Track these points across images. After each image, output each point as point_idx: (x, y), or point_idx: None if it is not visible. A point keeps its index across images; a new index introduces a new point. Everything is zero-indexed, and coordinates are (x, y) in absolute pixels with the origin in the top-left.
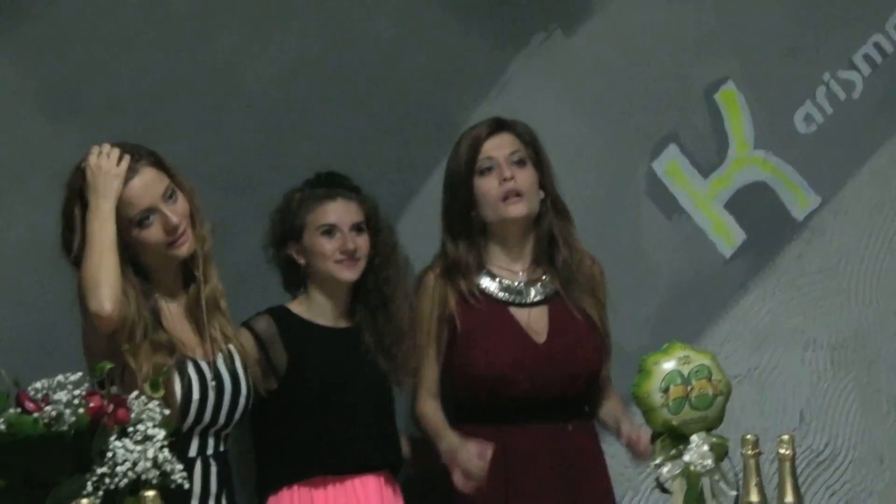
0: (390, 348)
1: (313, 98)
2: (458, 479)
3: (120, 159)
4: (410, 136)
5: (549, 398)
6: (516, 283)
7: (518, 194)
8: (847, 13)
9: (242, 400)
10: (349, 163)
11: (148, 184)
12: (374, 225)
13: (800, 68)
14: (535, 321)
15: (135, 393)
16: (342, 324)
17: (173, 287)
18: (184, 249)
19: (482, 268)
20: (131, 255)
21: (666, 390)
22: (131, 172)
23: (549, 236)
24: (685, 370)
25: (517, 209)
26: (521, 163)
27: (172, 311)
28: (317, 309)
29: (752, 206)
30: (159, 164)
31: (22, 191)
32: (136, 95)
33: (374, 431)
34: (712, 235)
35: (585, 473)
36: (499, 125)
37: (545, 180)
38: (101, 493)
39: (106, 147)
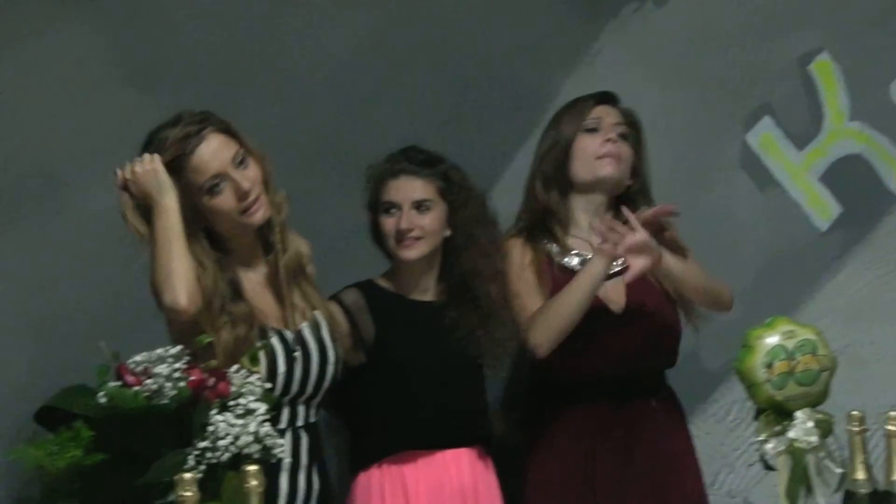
0: (475, 328)
1: (396, 68)
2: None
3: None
4: (496, 107)
5: (630, 373)
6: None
7: (613, 158)
8: None
9: (330, 368)
10: (433, 135)
11: (215, 150)
12: (449, 199)
13: None
14: (612, 292)
15: (235, 367)
16: (428, 297)
17: (252, 257)
18: (258, 216)
19: (567, 228)
20: (206, 226)
21: (770, 365)
22: (198, 139)
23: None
24: (789, 345)
25: (610, 169)
26: (623, 136)
27: (252, 281)
28: (402, 282)
29: (848, 178)
30: (227, 130)
31: (106, 162)
32: (217, 65)
33: (462, 405)
34: (807, 208)
35: (672, 454)
36: (610, 98)
37: (639, 167)
38: (202, 467)
39: (126, 164)
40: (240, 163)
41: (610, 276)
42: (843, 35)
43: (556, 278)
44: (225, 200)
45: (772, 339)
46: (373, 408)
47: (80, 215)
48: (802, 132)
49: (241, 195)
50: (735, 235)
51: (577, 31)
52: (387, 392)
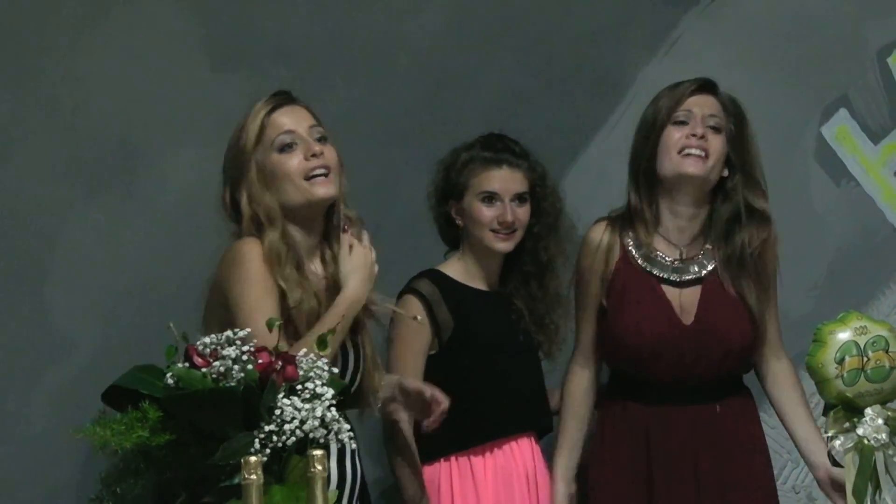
0: (542, 318)
1: (478, 52)
2: None
3: None
4: (577, 91)
5: (696, 379)
6: (673, 261)
7: (700, 152)
8: None
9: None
10: (513, 118)
11: (297, 115)
12: (538, 193)
13: None
14: (686, 300)
15: (303, 350)
16: (494, 286)
17: (311, 259)
18: (322, 190)
19: (656, 228)
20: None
21: (841, 361)
22: (284, 102)
23: (732, 216)
24: (861, 341)
25: (693, 167)
26: (716, 129)
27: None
28: (471, 272)
29: None
30: (312, 112)
31: (187, 139)
32: (300, 46)
33: (531, 393)
34: (882, 203)
35: (737, 456)
36: (708, 86)
37: (742, 154)
38: (268, 450)
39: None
40: (318, 139)
41: (687, 284)
42: None
43: (627, 274)
44: (293, 158)
45: (844, 335)
46: (450, 398)
47: (155, 192)
48: (879, 125)
49: (310, 155)
50: (809, 229)
51: (657, 17)
52: (464, 382)
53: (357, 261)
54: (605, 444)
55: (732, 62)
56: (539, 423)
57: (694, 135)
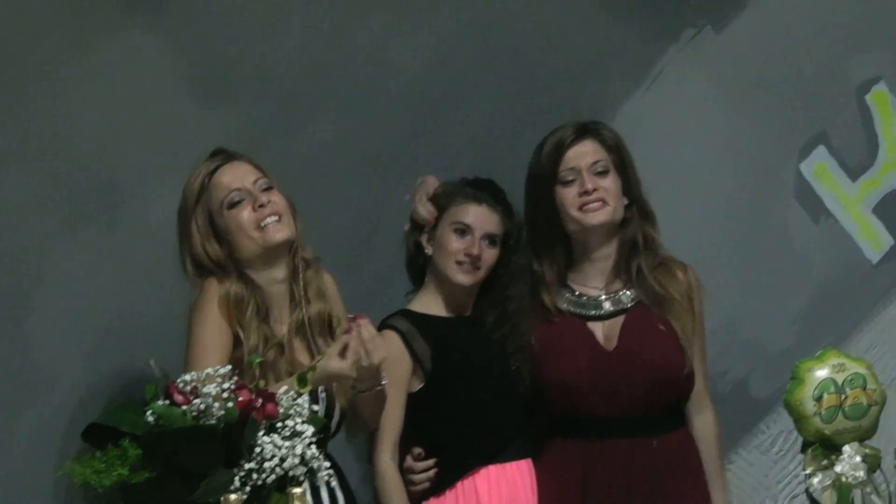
0: (510, 334)
1: (461, 85)
2: None
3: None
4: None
5: (630, 411)
6: (594, 297)
7: (599, 202)
8: None
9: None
10: (496, 151)
11: (240, 170)
12: (511, 243)
13: None
14: (609, 330)
15: (284, 388)
16: (463, 314)
17: (282, 309)
18: (277, 235)
19: (563, 283)
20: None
21: (819, 399)
22: (226, 159)
23: (632, 243)
24: (839, 378)
25: (597, 216)
26: (603, 172)
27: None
28: (440, 302)
29: None
30: (256, 165)
31: (170, 174)
32: (284, 79)
33: (521, 416)
34: (860, 239)
35: (674, 492)
36: (582, 131)
37: (630, 185)
38: (248, 488)
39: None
40: (264, 189)
41: (610, 316)
42: None
43: (547, 324)
44: (242, 211)
45: (822, 372)
46: (440, 430)
47: (137, 227)
48: (857, 162)
49: (258, 206)
50: (788, 265)
51: (638, 52)
52: (452, 409)
53: (329, 371)
54: (543, 475)
55: (712, 97)
56: (532, 446)
57: (585, 192)
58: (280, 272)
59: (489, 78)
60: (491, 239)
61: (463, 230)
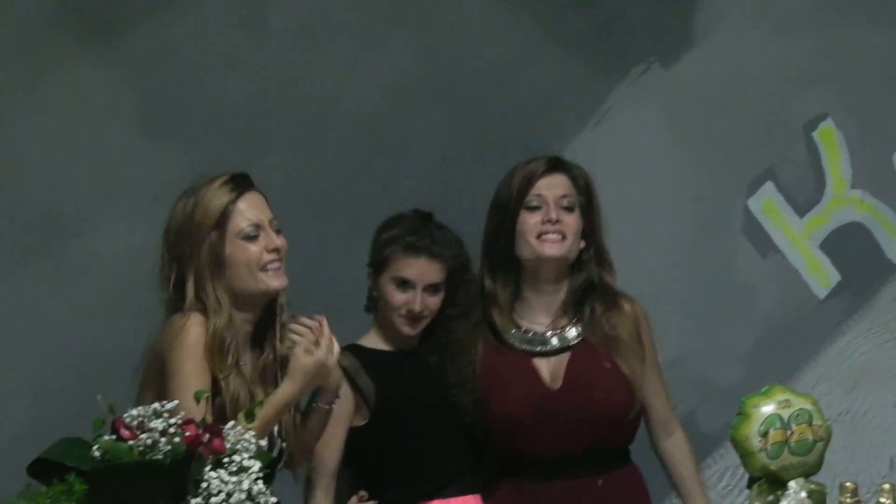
0: (455, 370)
1: (412, 121)
2: None
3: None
4: (509, 162)
5: (576, 450)
6: (540, 333)
7: (558, 234)
8: None
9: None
10: (445, 188)
11: (259, 204)
12: (455, 280)
13: None
14: (555, 368)
15: (231, 423)
16: (408, 347)
17: (244, 348)
18: (275, 283)
19: (513, 310)
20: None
21: (765, 434)
22: (247, 189)
23: (585, 286)
24: (785, 414)
25: (552, 248)
26: (569, 208)
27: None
28: (387, 337)
29: (848, 246)
30: (267, 200)
31: (118, 209)
32: (235, 115)
33: (467, 452)
34: (807, 275)
35: None
36: (556, 165)
37: (593, 229)
38: None
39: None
40: (276, 230)
41: (555, 353)
42: (848, 103)
43: (493, 358)
44: (253, 247)
45: (767, 408)
46: (385, 466)
47: (85, 261)
48: (804, 199)
49: (271, 249)
50: (735, 300)
51: (588, 89)
52: (397, 449)
53: (305, 362)
54: None
55: (661, 133)
56: (479, 480)
57: (549, 220)
58: (254, 313)
59: (439, 114)
60: (434, 287)
61: (404, 284)
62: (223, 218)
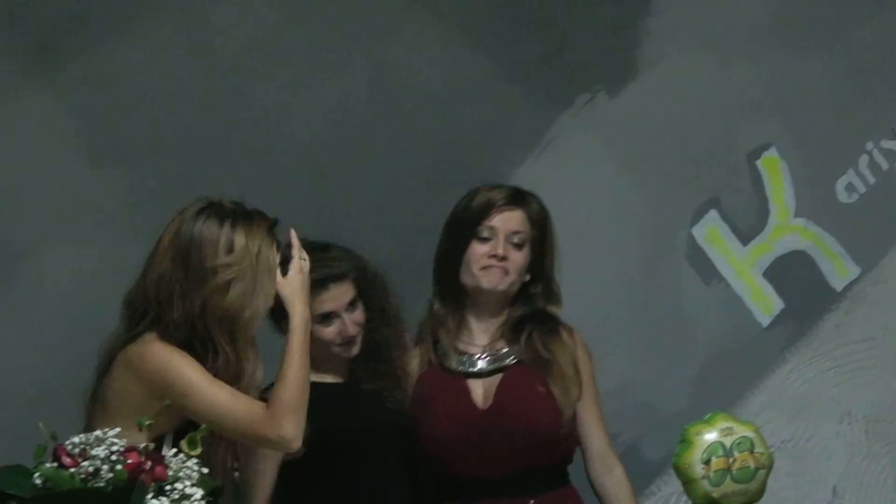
0: (391, 391)
1: (358, 149)
2: None
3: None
4: (455, 190)
5: (507, 471)
6: (476, 354)
7: (501, 269)
8: (892, 83)
9: None
10: (392, 216)
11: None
12: (363, 289)
13: (843, 137)
14: (487, 388)
15: (173, 451)
16: (340, 379)
17: None
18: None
19: (458, 332)
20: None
21: (707, 462)
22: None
23: (531, 314)
24: (727, 442)
25: (492, 281)
26: (519, 245)
27: None
28: (320, 369)
29: (792, 274)
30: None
31: (64, 235)
32: (181, 142)
33: (405, 478)
34: (750, 303)
35: None
36: (515, 199)
37: (543, 264)
38: None
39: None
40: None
41: (489, 374)
42: (792, 131)
43: (431, 379)
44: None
45: (710, 436)
46: (322, 497)
47: (32, 289)
48: (748, 227)
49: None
50: (679, 328)
51: (533, 117)
52: (333, 479)
53: (294, 283)
54: None
55: (606, 162)
56: None
57: (495, 255)
58: None
59: (385, 143)
60: (352, 304)
61: (328, 317)
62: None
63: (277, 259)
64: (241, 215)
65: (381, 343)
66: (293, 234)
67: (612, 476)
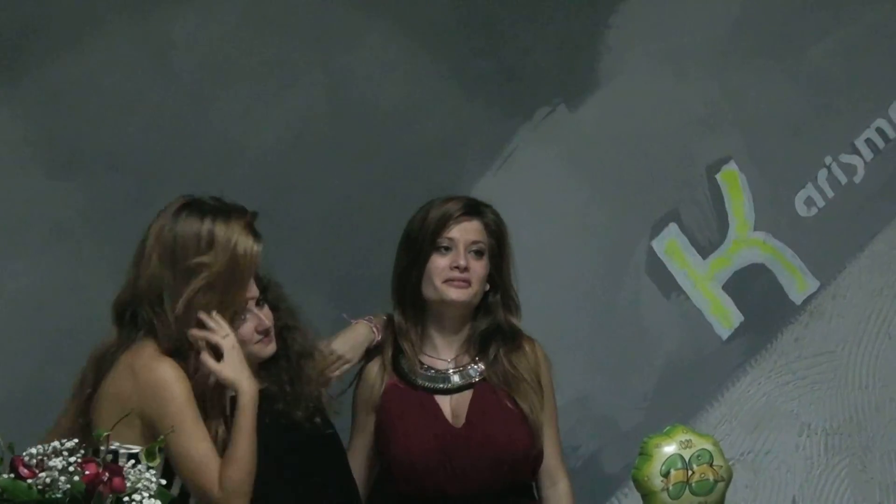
0: (286, 386)
1: (316, 162)
2: None
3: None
4: (413, 203)
5: (477, 489)
6: (442, 370)
7: (464, 282)
8: (850, 97)
9: None
10: (350, 229)
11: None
12: (261, 287)
13: (802, 151)
14: (457, 406)
15: (131, 462)
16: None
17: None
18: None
19: (422, 345)
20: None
21: (666, 474)
22: (258, 240)
23: (491, 328)
24: (686, 454)
25: (457, 293)
26: (479, 253)
27: None
28: None
29: (751, 287)
30: None
31: (19, 246)
32: (137, 154)
33: (333, 483)
34: (710, 316)
35: None
36: (472, 209)
37: (502, 275)
38: None
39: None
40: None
41: (457, 390)
42: (752, 145)
43: (397, 394)
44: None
45: (669, 448)
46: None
47: None
48: (707, 240)
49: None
50: (639, 340)
51: (492, 131)
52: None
53: (233, 362)
54: None
55: (566, 175)
56: None
57: (457, 266)
58: None
59: (344, 156)
60: (258, 303)
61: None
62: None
63: (257, 248)
64: (220, 210)
65: (289, 342)
66: (205, 318)
67: (555, 489)
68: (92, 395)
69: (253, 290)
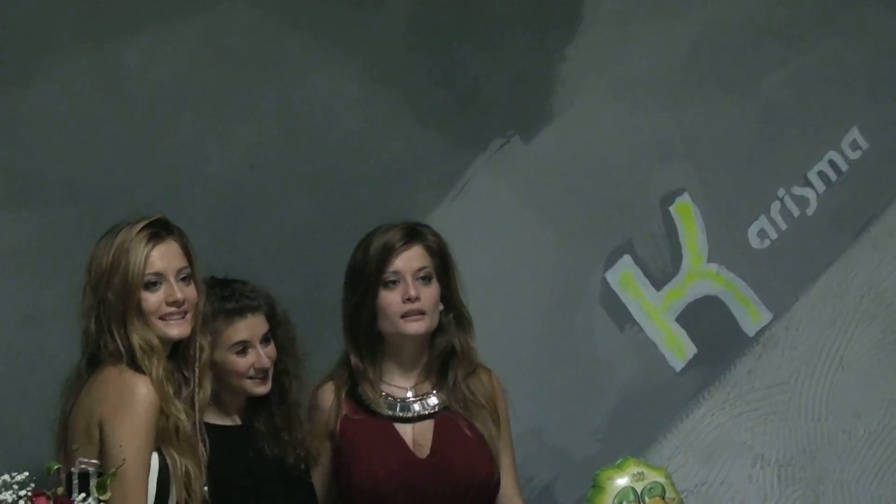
0: (283, 433)
1: (270, 191)
2: None
3: None
4: (367, 231)
5: None
6: (402, 398)
7: (420, 312)
8: (803, 130)
9: None
10: (305, 257)
11: (170, 252)
12: (273, 327)
13: (755, 183)
14: (420, 436)
15: (81, 496)
16: (238, 421)
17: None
18: (177, 331)
19: (381, 379)
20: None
21: None
22: (158, 239)
23: (447, 350)
24: (639, 487)
25: (416, 326)
26: (426, 279)
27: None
28: (221, 411)
29: (704, 319)
30: (185, 246)
31: None
32: (92, 183)
33: None
34: (664, 348)
35: None
36: (410, 236)
37: (451, 292)
38: None
39: None
40: (182, 278)
41: (418, 419)
42: (705, 178)
43: (356, 424)
44: (153, 296)
45: (621, 481)
46: None
47: None
48: (661, 272)
49: (171, 301)
50: (593, 372)
51: (446, 161)
52: None
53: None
54: None
55: (520, 206)
56: None
57: (409, 298)
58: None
59: (298, 185)
60: (265, 338)
61: (243, 348)
62: (145, 267)
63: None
64: (128, 223)
65: (286, 386)
66: None
67: None
68: (66, 423)
69: (260, 327)
